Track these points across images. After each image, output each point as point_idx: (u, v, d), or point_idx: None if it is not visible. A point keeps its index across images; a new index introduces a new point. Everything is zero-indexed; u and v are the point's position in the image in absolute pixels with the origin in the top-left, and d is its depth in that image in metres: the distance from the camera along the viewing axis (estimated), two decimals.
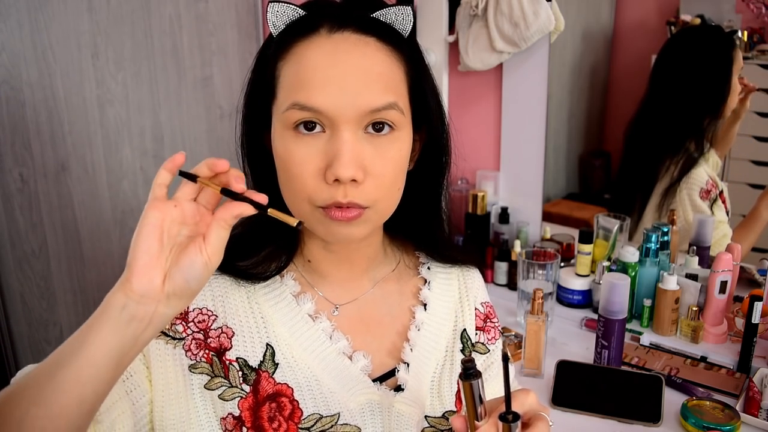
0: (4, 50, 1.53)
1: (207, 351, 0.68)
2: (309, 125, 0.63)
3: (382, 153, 0.64)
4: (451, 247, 0.81)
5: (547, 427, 0.56)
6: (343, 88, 0.61)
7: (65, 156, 1.67)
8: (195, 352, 0.68)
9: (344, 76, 0.61)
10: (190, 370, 0.67)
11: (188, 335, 0.68)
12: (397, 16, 0.65)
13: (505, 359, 0.55)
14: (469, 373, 0.56)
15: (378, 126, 0.64)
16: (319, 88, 0.61)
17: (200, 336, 0.68)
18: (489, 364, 0.82)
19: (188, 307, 0.69)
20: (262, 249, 0.74)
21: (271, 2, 0.64)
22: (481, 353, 0.82)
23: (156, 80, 1.84)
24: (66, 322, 1.75)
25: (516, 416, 0.55)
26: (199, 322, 0.69)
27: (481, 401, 0.57)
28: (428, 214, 0.77)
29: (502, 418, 0.55)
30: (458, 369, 0.78)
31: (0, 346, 1.62)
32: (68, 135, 1.67)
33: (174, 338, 0.68)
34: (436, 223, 0.78)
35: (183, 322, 0.68)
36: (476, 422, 0.57)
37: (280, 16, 0.65)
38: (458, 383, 0.79)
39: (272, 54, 0.66)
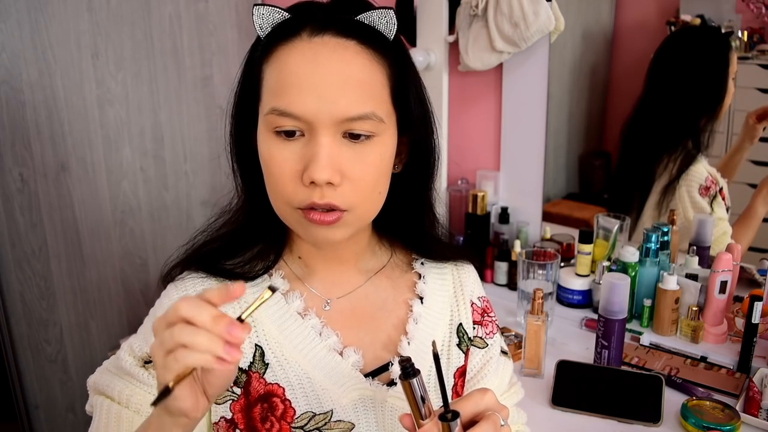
0: (4, 50, 1.53)
1: None
2: (289, 133, 0.64)
3: (361, 158, 0.64)
4: (442, 246, 0.82)
5: (495, 425, 0.56)
6: (321, 95, 0.62)
7: (65, 156, 1.67)
8: None
9: (322, 83, 0.62)
10: None
11: None
12: (380, 19, 0.65)
13: (436, 358, 0.56)
14: (407, 372, 0.56)
15: (354, 135, 0.64)
16: (297, 95, 0.62)
17: None
18: (488, 359, 0.83)
19: None
20: (250, 247, 0.74)
21: (255, 5, 0.65)
22: (479, 347, 0.82)
23: (156, 80, 1.84)
24: (66, 322, 1.74)
25: (455, 415, 0.55)
26: None
27: (423, 400, 0.57)
28: (416, 215, 0.77)
29: (442, 417, 0.55)
30: (455, 364, 0.78)
31: (0, 346, 1.62)
32: (68, 135, 1.67)
33: None
34: (425, 223, 0.79)
35: None
36: (421, 421, 0.57)
37: (265, 19, 0.65)
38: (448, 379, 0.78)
39: (258, 56, 0.67)
